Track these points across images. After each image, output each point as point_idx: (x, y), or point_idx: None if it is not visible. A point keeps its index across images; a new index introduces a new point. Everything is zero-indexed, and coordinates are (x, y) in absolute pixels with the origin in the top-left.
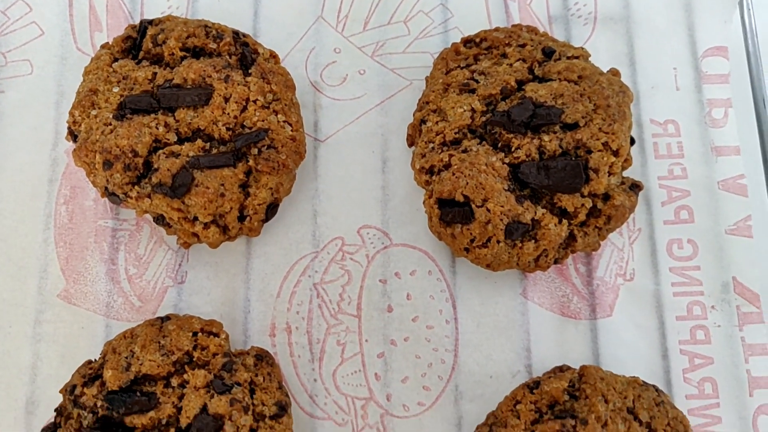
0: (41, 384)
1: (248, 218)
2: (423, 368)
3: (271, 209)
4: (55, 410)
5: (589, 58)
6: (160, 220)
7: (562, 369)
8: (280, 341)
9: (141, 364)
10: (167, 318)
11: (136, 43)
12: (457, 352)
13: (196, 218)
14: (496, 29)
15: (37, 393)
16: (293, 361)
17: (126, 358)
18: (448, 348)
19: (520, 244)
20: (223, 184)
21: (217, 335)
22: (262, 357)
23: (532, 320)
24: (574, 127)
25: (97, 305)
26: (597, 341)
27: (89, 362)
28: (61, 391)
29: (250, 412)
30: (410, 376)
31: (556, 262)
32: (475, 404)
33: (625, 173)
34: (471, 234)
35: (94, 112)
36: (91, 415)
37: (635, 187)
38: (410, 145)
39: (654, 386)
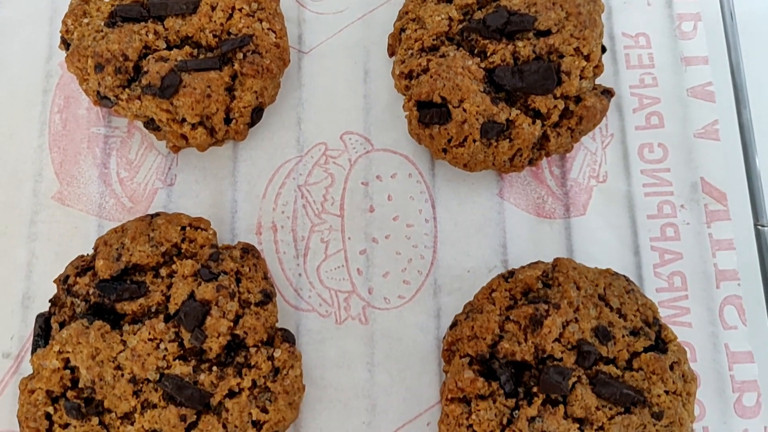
0: (36, 280)
1: (234, 121)
2: (403, 264)
3: (257, 113)
4: (50, 301)
5: None
6: (150, 124)
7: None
8: (266, 239)
9: (131, 255)
10: (157, 215)
11: None
12: (436, 249)
13: (184, 120)
14: None
15: (33, 288)
16: (279, 257)
17: (117, 249)
18: (427, 245)
19: (495, 144)
20: (209, 86)
21: (204, 230)
22: (248, 250)
23: (508, 219)
24: (546, 33)
25: (90, 206)
26: (571, 239)
27: (82, 256)
28: (55, 281)
29: (236, 299)
30: (391, 271)
31: (530, 162)
32: (453, 297)
33: (598, 81)
34: (448, 134)
35: (86, 21)
36: (83, 303)
37: (607, 93)
38: (391, 55)
39: (624, 276)
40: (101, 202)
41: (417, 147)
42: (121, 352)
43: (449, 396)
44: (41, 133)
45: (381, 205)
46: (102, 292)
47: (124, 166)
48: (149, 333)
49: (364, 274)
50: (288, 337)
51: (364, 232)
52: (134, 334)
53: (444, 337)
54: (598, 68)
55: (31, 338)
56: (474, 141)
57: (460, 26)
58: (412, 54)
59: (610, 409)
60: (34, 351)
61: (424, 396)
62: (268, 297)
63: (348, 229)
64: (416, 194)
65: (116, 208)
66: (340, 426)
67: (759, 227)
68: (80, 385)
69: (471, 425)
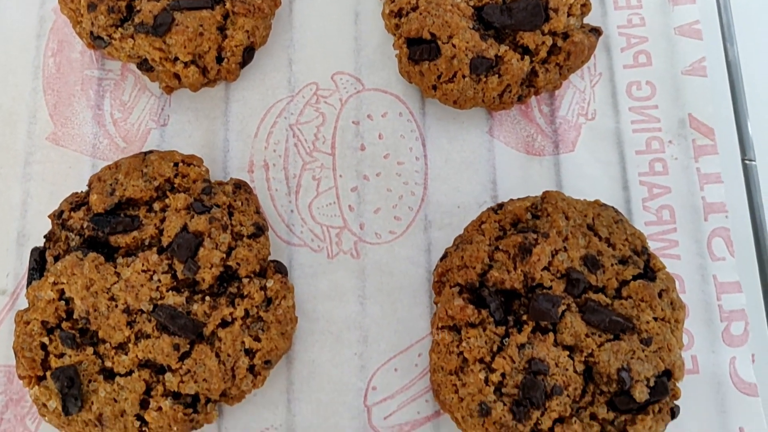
0: (31, 219)
1: (226, 60)
2: (394, 200)
3: (248, 53)
4: (45, 236)
5: None
6: (143, 65)
7: None
8: (258, 177)
9: (125, 189)
10: (150, 152)
11: None
12: (427, 185)
13: (177, 59)
14: None
15: (28, 227)
16: (270, 194)
17: (110, 184)
18: (417, 182)
19: (484, 79)
20: (201, 24)
21: (197, 166)
22: (240, 185)
23: (498, 157)
24: None
25: (84, 146)
26: (560, 175)
27: (76, 193)
28: (49, 217)
29: (228, 231)
30: (382, 207)
31: (519, 99)
32: (443, 232)
33: (586, 20)
34: (438, 70)
35: None
36: (78, 237)
37: (595, 31)
38: None
39: (613, 207)
40: (95, 143)
41: (407, 87)
42: (115, 283)
43: (440, 324)
44: (35, 77)
45: (372, 144)
46: (96, 225)
47: (118, 107)
48: (143, 265)
49: (355, 210)
50: (280, 269)
51: (356, 169)
52: (128, 267)
53: (434, 269)
54: (586, 6)
55: (26, 276)
56: (463, 77)
57: None
58: None
59: (600, 336)
60: (29, 284)
61: (416, 327)
62: (260, 230)
63: (339, 166)
64: (407, 133)
65: (110, 148)
66: (332, 357)
67: (746, 161)
68: (75, 316)
69: (461, 352)
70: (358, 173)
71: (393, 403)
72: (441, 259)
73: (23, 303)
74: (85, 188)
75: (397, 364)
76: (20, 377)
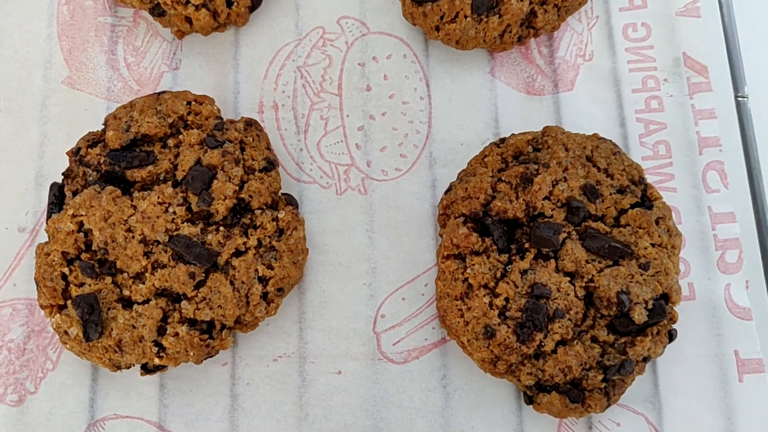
0: (48, 159)
1: (236, 4)
2: (399, 138)
3: None
4: (62, 173)
5: None
6: (155, 10)
7: None
8: (267, 117)
9: (140, 126)
10: (163, 92)
11: None
12: (431, 124)
13: (188, 2)
14: None
15: (45, 167)
16: (280, 134)
17: (126, 121)
18: (422, 120)
19: (485, 19)
20: None
21: (209, 105)
22: (251, 123)
23: (499, 96)
24: None
25: (99, 90)
26: (560, 113)
27: (92, 132)
28: (67, 153)
29: (240, 165)
30: (388, 146)
31: (519, 40)
32: (447, 168)
33: None
34: (441, 10)
35: None
36: (95, 172)
37: None
38: None
39: (610, 140)
40: (109, 86)
41: (411, 30)
42: (131, 215)
43: (445, 253)
44: (50, 24)
45: (377, 85)
46: (112, 160)
47: (131, 52)
48: (158, 197)
49: (362, 148)
50: (291, 201)
51: (362, 109)
52: (144, 200)
53: (439, 202)
54: None
55: (45, 213)
56: (465, 17)
57: None
58: None
59: (599, 262)
60: (48, 218)
61: (422, 259)
62: (271, 164)
63: (346, 106)
64: (411, 74)
65: (124, 91)
66: (342, 287)
67: (739, 98)
68: (93, 247)
69: (466, 279)
70: (365, 113)
71: (401, 331)
72: (446, 193)
73: (42, 239)
74: (100, 128)
75: (404, 294)
76: (42, 307)
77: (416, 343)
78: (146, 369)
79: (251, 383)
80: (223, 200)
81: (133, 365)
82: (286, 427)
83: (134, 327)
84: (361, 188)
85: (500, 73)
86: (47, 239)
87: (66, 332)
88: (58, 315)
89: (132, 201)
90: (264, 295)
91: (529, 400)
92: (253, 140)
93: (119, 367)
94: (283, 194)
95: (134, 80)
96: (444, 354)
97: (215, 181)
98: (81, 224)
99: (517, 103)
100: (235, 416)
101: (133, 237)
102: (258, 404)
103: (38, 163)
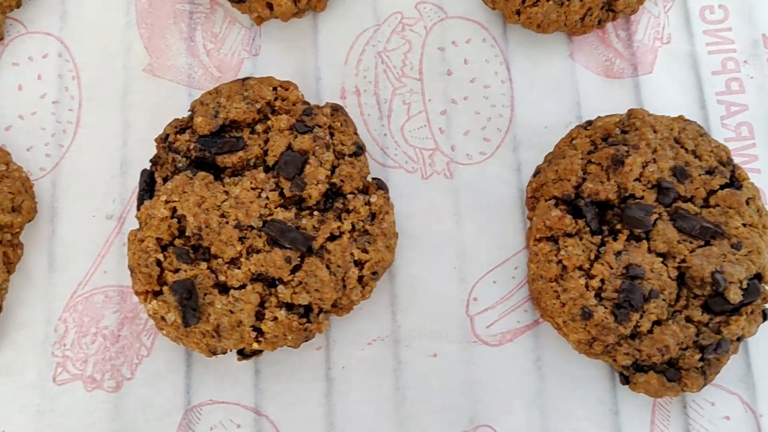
0: (133, 146)
1: None
2: (482, 122)
3: None
4: (150, 160)
5: None
6: None
7: None
8: (350, 102)
9: (228, 112)
10: (248, 78)
11: None
12: (513, 107)
13: None
14: None
15: (130, 155)
16: (364, 119)
17: (213, 107)
18: (504, 104)
19: (567, 3)
20: None
21: (295, 90)
22: (337, 108)
23: (579, 80)
24: None
25: (180, 76)
26: (640, 95)
27: (178, 119)
28: (155, 140)
29: (331, 150)
30: (471, 130)
31: (599, 23)
32: (532, 151)
33: None
34: None
35: None
36: (184, 159)
37: None
38: None
39: (696, 122)
40: (190, 73)
41: (489, 14)
42: (224, 201)
43: (537, 236)
44: (128, 12)
45: (458, 69)
46: (203, 146)
47: (210, 39)
48: (251, 183)
49: (446, 132)
50: (381, 185)
51: (443, 94)
52: (235, 185)
53: (527, 185)
54: None
55: (131, 201)
56: (547, 0)
57: None
58: None
59: (691, 242)
60: (139, 205)
61: (510, 243)
62: (360, 149)
63: (428, 91)
64: (491, 57)
65: (205, 78)
66: (432, 271)
67: None
68: (187, 233)
69: (560, 261)
70: (446, 97)
71: (494, 313)
72: (534, 176)
73: (129, 226)
74: (185, 114)
75: (494, 277)
76: (137, 293)
77: (509, 326)
78: (243, 354)
79: (347, 367)
80: (316, 185)
81: (229, 350)
82: (384, 410)
83: (232, 312)
84: (446, 172)
85: (579, 57)
86: (137, 226)
87: (162, 318)
88: (154, 301)
89: (224, 186)
90: (359, 279)
91: (625, 380)
92: (341, 125)
93: (215, 353)
94: (373, 179)
95: (215, 67)
96: (537, 336)
97: (307, 166)
98: (174, 210)
99: (597, 87)
100: (331, 400)
101: (227, 222)
102: (354, 388)
103: (122, 151)
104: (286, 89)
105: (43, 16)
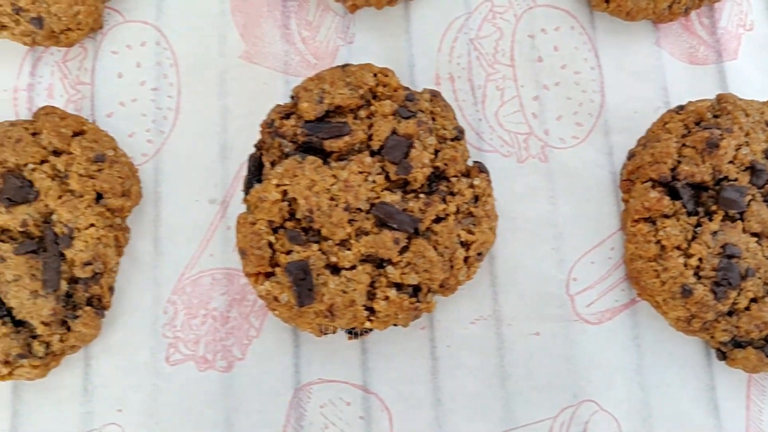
0: (232, 133)
1: None
2: (574, 107)
3: None
4: (255, 145)
5: None
6: None
7: None
8: (445, 88)
9: (333, 98)
10: (347, 65)
11: None
12: (604, 93)
13: None
14: None
15: (229, 140)
16: (458, 105)
17: (318, 93)
18: (595, 90)
19: None
20: None
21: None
22: (436, 94)
23: (666, 66)
24: None
25: (276, 63)
26: (725, 81)
27: (279, 105)
28: (261, 125)
29: (433, 134)
30: (563, 115)
31: (686, 11)
32: (623, 136)
33: None
34: None
35: None
36: (291, 143)
37: None
38: None
39: None
40: (286, 60)
41: (576, 2)
42: (333, 184)
43: (636, 217)
44: (222, 1)
45: (548, 56)
46: (310, 131)
47: (305, 26)
48: (358, 166)
49: (539, 117)
50: (483, 168)
51: (535, 80)
52: (342, 169)
53: (622, 168)
54: None
55: (234, 185)
56: None
57: None
58: None
59: None
60: (247, 188)
61: (605, 224)
62: (461, 133)
63: (520, 77)
64: (580, 45)
65: (301, 65)
66: (531, 252)
67: None
68: (297, 215)
69: (659, 241)
70: (538, 83)
71: (593, 293)
72: (628, 159)
73: (232, 211)
74: (282, 100)
75: (592, 258)
76: (248, 275)
77: (608, 305)
78: (353, 333)
79: (451, 345)
80: (421, 168)
81: (338, 330)
82: (490, 387)
83: (344, 292)
84: (541, 156)
85: (665, 44)
86: (240, 210)
87: (275, 299)
88: (266, 282)
89: (331, 170)
90: (464, 260)
91: (723, 356)
92: (440, 110)
93: (325, 333)
94: (474, 162)
95: (311, 54)
96: (634, 314)
97: (413, 150)
98: (284, 193)
99: (683, 73)
100: (437, 378)
101: (337, 205)
102: (459, 365)
103: (222, 137)
104: (386, 75)
105: (140, 5)
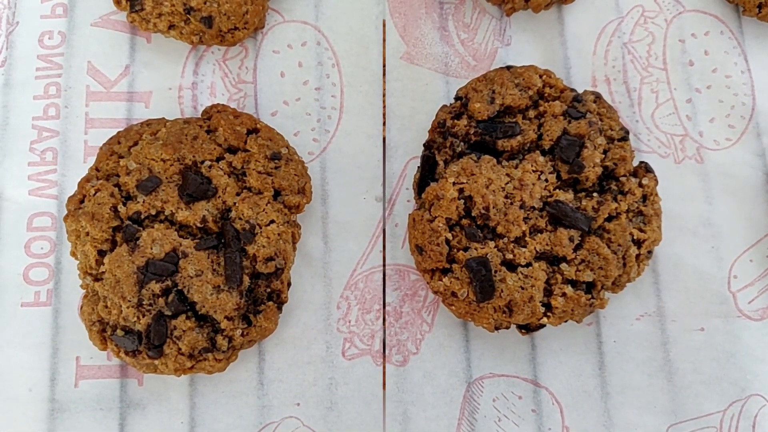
0: (396, 132)
1: None
2: (726, 110)
3: None
4: (424, 144)
5: None
6: None
7: None
8: (601, 90)
9: (503, 98)
10: (509, 66)
11: None
12: (755, 96)
13: None
14: None
15: (395, 139)
16: (615, 106)
17: (488, 94)
18: (746, 93)
19: None
20: None
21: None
22: (599, 96)
23: None
24: None
25: (437, 65)
26: None
27: (447, 105)
28: (432, 125)
29: (602, 134)
30: (716, 117)
31: None
32: None
33: None
34: None
35: None
36: (462, 143)
37: None
38: None
39: None
40: (447, 61)
41: (724, 7)
42: (508, 182)
43: None
44: (379, 2)
45: (699, 60)
46: (483, 130)
47: (462, 28)
48: (532, 165)
49: (692, 120)
50: (649, 168)
51: (687, 83)
52: (516, 168)
53: None
54: None
55: (399, 184)
56: None
57: None
58: None
59: None
60: (420, 186)
61: (761, 224)
62: (627, 133)
63: (672, 80)
64: (729, 49)
65: (461, 66)
66: (691, 250)
67: None
68: (473, 213)
69: None
70: (690, 86)
71: (753, 290)
72: None
73: (398, 209)
74: (443, 101)
75: (750, 256)
76: (424, 271)
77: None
78: (526, 329)
79: (618, 341)
80: (593, 168)
81: (511, 326)
82: (658, 381)
83: (523, 288)
84: (697, 157)
85: None
86: (407, 209)
87: (453, 294)
88: (445, 278)
89: (504, 169)
90: (635, 257)
91: None
92: (606, 111)
93: (497, 328)
94: (640, 162)
95: (470, 55)
96: None
97: (584, 150)
98: (460, 191)
99: None
100: (605, 372)
101: (512, 203)
102: (626, 360)
103: (388, 135)
104: (550, 77)
105: (298, 6)
